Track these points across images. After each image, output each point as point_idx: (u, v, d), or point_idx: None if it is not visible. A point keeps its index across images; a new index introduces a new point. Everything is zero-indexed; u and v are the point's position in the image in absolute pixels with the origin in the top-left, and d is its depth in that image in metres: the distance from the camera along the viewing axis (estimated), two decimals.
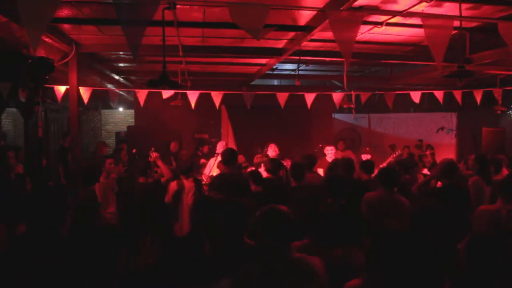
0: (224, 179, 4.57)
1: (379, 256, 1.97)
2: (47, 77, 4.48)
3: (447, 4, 4.43)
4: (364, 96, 8.00)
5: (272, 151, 7.09)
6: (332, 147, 7.24)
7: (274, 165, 5.27)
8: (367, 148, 8.16)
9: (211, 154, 7.76)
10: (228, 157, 4.80)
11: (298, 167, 4.85)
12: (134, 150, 7.60)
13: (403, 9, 4.48)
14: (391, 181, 4.02)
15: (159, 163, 5.55)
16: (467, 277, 2.03)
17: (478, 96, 7.83)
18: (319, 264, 2.17)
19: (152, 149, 5.66)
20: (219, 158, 5.98)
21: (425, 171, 7.03)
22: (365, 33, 5.52)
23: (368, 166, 5.32)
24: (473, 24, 5.40)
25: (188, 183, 5.22)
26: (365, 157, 7.55)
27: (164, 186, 5.34)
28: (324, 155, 7.18)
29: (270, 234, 2.15)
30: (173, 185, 5.26)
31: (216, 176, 5.22)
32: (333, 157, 7.00)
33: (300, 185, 4.63)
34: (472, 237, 2.12)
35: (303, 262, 2.15)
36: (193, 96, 7.31)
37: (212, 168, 6.52)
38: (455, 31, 4.22)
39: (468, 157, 6.30)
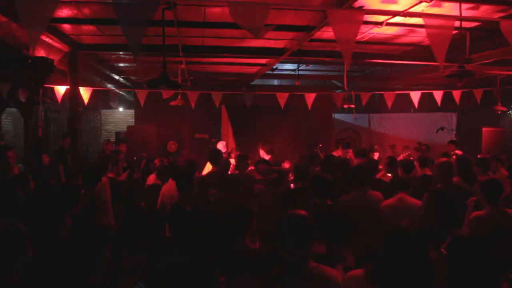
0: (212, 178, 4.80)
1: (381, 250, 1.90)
2: (47, 77, 4.48)
3: (447, 4, 4.43)
4: (364, 96, 8.00)
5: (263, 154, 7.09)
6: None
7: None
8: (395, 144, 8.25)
9: None
10: (212, 157, 5.17)
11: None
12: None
13: (403, 9, 4.48)
14: None
15: None
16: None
17: (478, 96, 7.83)
18: (338, 276, 2.13)
19: None
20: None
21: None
22: (365, 33, 5.52)
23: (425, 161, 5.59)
24: (473, 24, 5.40)
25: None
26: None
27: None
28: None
29: (288, 240, 2.11)
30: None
31: (207, 175, 5.27)
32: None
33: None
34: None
35: (321, 274, 2.11)
36: (193, 96, 7.32)
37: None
38: (456, 31, 4.22)
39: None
